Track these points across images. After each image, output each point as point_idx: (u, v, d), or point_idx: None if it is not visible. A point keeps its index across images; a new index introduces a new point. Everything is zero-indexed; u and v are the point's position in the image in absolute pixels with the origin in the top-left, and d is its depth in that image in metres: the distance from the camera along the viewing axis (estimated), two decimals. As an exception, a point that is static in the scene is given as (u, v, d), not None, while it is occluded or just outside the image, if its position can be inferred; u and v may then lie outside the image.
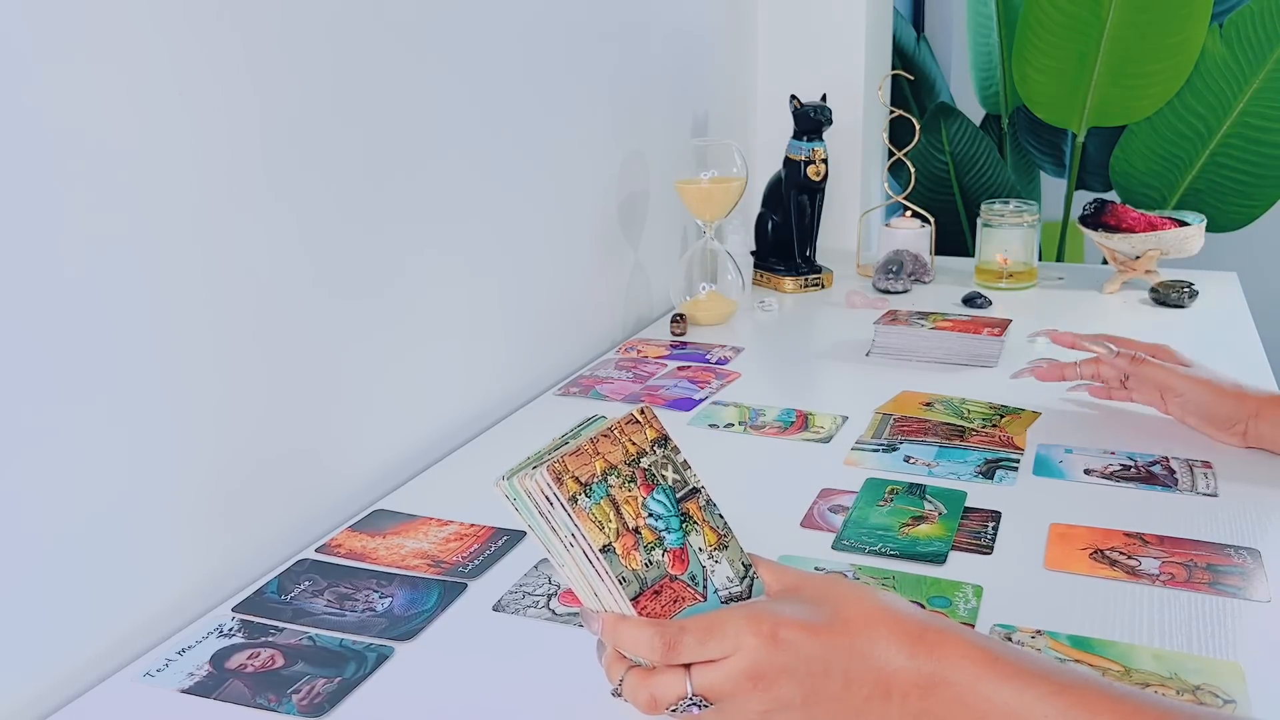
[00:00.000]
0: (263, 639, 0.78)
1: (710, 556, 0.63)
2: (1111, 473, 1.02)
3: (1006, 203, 1.77)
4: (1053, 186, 2.89)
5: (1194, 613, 0.78)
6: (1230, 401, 0.99)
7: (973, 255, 1.81)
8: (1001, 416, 1.15)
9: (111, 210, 0.74)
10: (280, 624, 0.80)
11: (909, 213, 1.85)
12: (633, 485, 0.61)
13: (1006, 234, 1.73)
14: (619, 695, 0.61)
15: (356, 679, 0.73)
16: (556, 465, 0.59)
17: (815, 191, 1.75)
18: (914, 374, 1.32)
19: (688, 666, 0.58)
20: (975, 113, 2.74)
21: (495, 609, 0.82)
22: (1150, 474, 1.01)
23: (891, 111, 1.93)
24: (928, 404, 1.20)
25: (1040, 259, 1.84)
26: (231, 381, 0.86)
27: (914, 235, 1.81)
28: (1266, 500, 0.95)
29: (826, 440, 1.12)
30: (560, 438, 0.63)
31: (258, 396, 0.89)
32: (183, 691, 0.72)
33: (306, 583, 0.86)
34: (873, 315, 1.52)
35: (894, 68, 2.41)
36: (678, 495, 0.63)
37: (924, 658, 0.57)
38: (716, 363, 1.40)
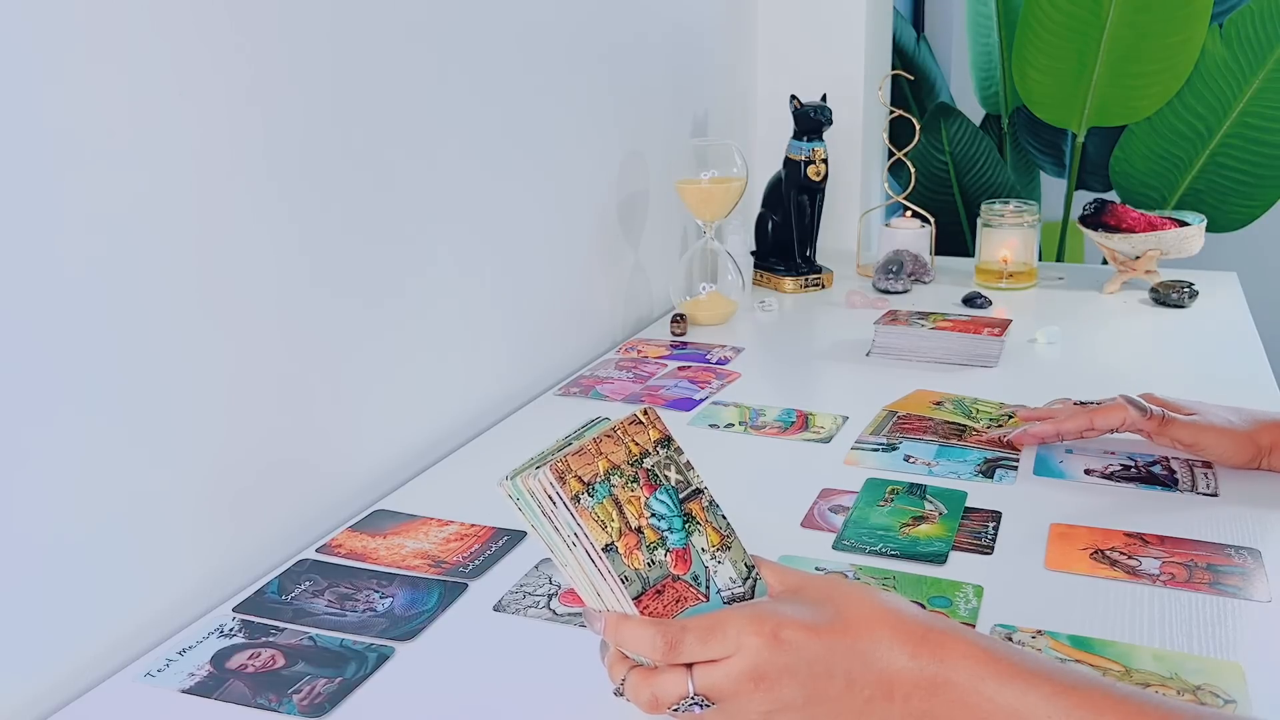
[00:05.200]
0: (263, 639, 0.78)
1: (713, 557, 0.63)
2: (1112, 473, 1.02)
3: (1006, 203, 1.77)
4: (1053, 186, 2.89)
5: (1194, 613, 0.78)
6: (1248, 447, 0.99)
7: (973, 255, 1.81)
8: (1009, 417, 1.15)
9: (113, 212, 0.74)
10: (281, 624, 0.80)
11: (909, 213, 1.85)
12: (635, 485, 0.61)
13: (1006, 234, 1.73)
14: (621, 695, 0.61)
15: (357, 679, 0.73)
16: (559, 465, 0.59)
17: (815, 191, 1.75)
18: (914, 374, 1.32)
19: (690, 666, 0.58)
20: (975, 113, 2.74)
21: (496, 609, 0.82)
22: (1150, 474, 1.01)
23: (891, 111, 1.93)
24: (938, 403, 1.20)
25: (1040, 259, 1.85)
26: (232, 382, 0.86)
27: (914, 235, 1.81)
28: (1266, 500, 0.95)
29: (827, 440, 1.12)
30: (563, 438, 0.63)
31: (259, 397, 0.89)
32: (183, 692, 0.72)
33: (307, 583, 0.86)
34: (873, 315, 1.52)
35: (894, 68, 2.41)
36: (681, 495, 0.63)
37: (926, 659, 0.57)
38: (717, 363, 1.40)
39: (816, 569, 0.86)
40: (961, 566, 0.86)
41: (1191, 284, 1.63)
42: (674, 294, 1.59)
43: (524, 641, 0.78)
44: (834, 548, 0.89)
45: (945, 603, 0.80)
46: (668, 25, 1.64)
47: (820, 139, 1.71)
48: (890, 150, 1.92)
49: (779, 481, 1.03)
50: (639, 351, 1.45)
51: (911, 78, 2.62)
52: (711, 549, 0.63)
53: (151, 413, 0.78)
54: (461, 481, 1.06)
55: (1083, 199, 2.24)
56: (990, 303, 1.63)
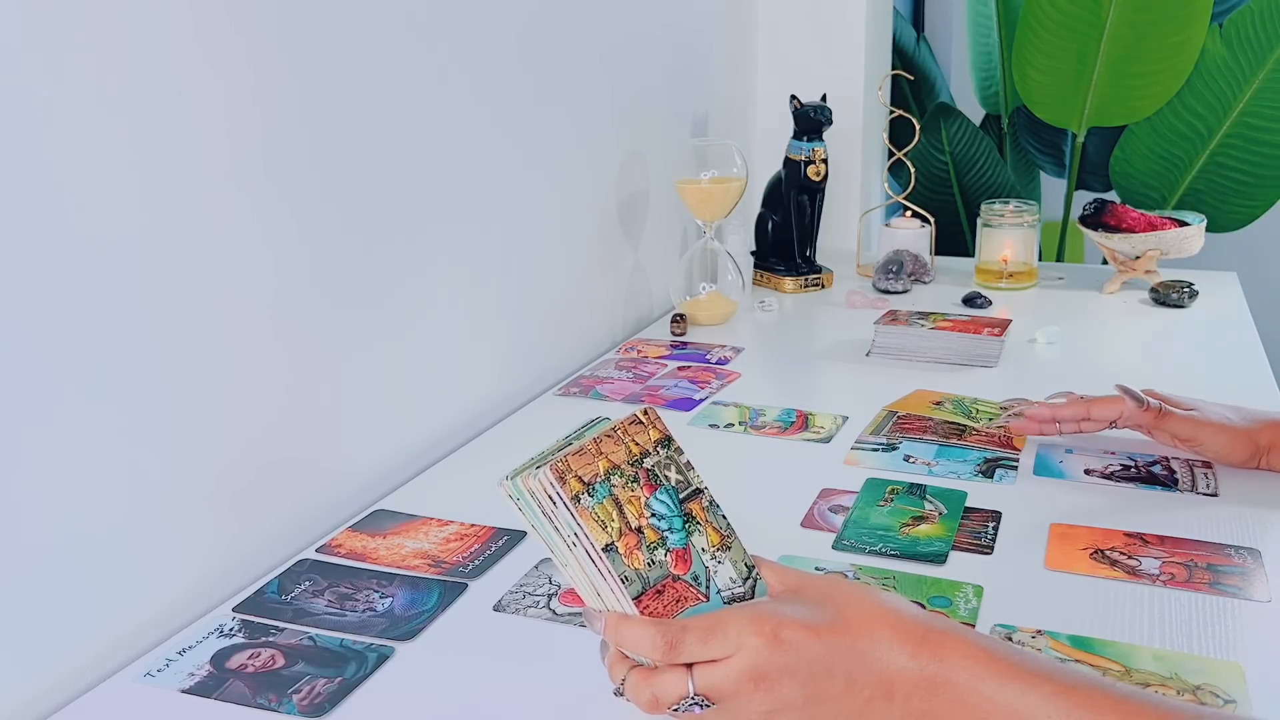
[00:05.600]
0: (263, 639, 0.78)
1: (713, 557, 0.63)
2: (1111, 473, 1.02)
3: (1006, 203, 1.77)
4: (1053, 186, 2.89)
5: (1194, 613, 0.78)
6: (1247, 445, 0.98)
7: (973, 255, 1.81)
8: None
9: (112, 212, 0.74)
10: (281, 624, 0.80)
11: (909, 213, 1.85)
12: (636, 485, 0.61)
13: (1006, 234, 1.73)
14: (621, 695, 0.61)
15: (357, 679, 0.73)
16: (560, 465, 0.59)
17: (815, 191, 1.75)
18: (914, 374, 1.32)
19: (690, 666, 0.58)
20: (975, 113, 2.74)
21: (496, 609, 0.82)
22: (1150, 474, 1.01)
23: (891, 111, 1.93)
24: (938, 403, 1.20)
25: (1040, 259, 1.85)
26: (232, 382, 0.86)
27: (914, 235, 1.81)
28: (1266, 500, 0.95)
29: (826, 440, 1.12)
30: (563, 438, 0.63)
31: (259, 397, 0.89)
32: (183, 692, 0.72)
33: (307, 583, 0.86)
34: (873, 315, 1.52)
35: (894, 68, 2.41)
36: (681, 495, 0.63)
37: (926, 658, 0.57)
38: (716, 363, 1.40)
39: (816, 569, 0.86)
40: (961, 566, 0.86)
41: (1191, 284, 1.63)
42: (674, 294, 1.59)
43: (524, 641, 0.78)
44: (834, 548, 0.89)
45: (945, 603, 0.80)
46: (668, 25, 1.64)
47: (820, 139, 1.71)
48: (890, 150, 1.92)
49: (779, 481, 1.03)
50: (639, 351, 1.45)
51: (911, 78, 2.62)
52: (712, 549, 0.63)
53: (151, 412, 0.78)
54: (461, 481, 1.06)
55: (1083, 199, 2.24)
56: (990, 303, 1.63)
